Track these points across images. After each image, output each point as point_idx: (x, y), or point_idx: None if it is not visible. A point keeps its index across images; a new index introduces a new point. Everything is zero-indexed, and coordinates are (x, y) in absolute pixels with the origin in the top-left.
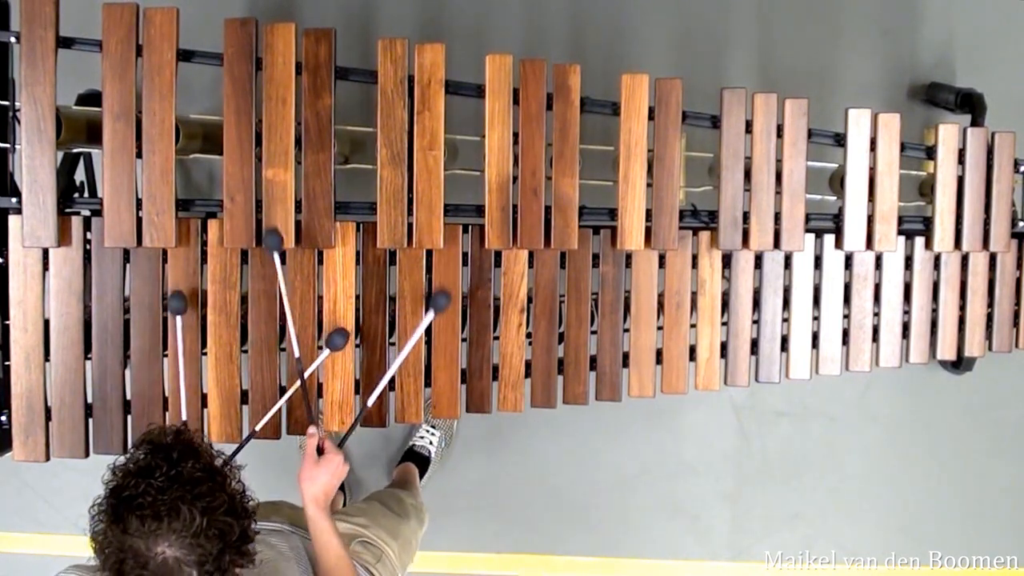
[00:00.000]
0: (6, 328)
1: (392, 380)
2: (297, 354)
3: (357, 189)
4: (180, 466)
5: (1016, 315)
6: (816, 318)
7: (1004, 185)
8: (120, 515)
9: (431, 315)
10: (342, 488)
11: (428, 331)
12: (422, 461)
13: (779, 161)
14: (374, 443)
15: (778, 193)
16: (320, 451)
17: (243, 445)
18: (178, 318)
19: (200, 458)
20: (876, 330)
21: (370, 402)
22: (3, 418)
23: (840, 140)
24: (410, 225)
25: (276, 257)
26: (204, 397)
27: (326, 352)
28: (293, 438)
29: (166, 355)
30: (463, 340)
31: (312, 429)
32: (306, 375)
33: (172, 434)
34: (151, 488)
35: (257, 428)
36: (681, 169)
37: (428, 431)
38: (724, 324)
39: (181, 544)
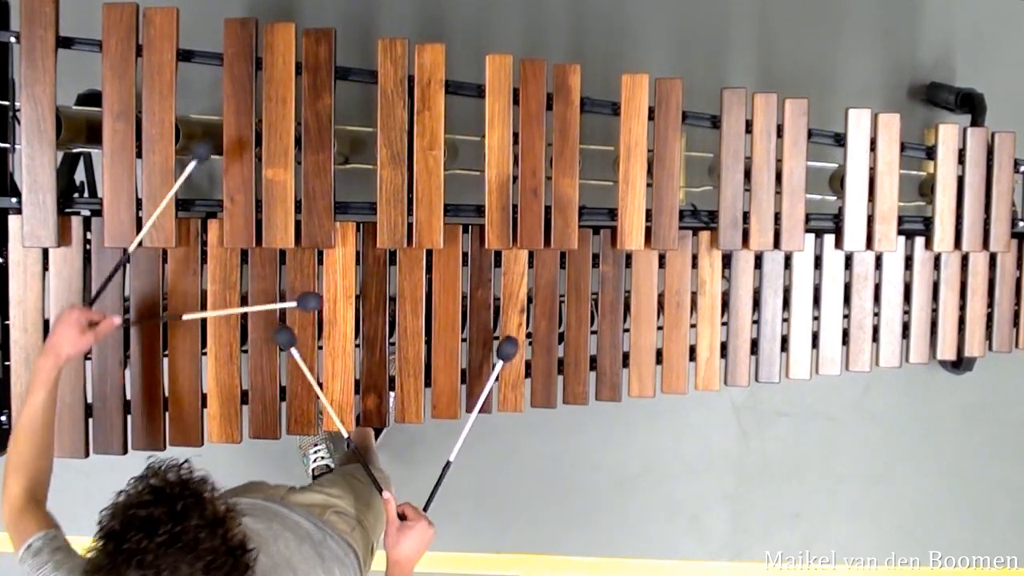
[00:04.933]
0: (6, 328)
1: (392, 380)
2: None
3: (357, 189)
4: (184, 522)
5: (1016, 315)
6: (816, 318)
7: (1004, 185)
8: (118, 567)
9: (500, 365)
10: None
11: (428, 331)
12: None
13: (779, 161)
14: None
15: (778, 193)
16: (402, 516)
17: None
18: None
19: (205, 510)
20: (876, 330)
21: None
22: (3, 418)
23: (840, 140)
24: (410, 225)
25: (295, 352)
26: (204, 397)
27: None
28: (292, 438)
29: (166, 355)
30: (463, 340)
31: (386, 494)
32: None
33: (177, 478)
34: (152, 544)
35: None
36: (681, 169)
37: (315, 449)
38: (724, 324)
39: None
